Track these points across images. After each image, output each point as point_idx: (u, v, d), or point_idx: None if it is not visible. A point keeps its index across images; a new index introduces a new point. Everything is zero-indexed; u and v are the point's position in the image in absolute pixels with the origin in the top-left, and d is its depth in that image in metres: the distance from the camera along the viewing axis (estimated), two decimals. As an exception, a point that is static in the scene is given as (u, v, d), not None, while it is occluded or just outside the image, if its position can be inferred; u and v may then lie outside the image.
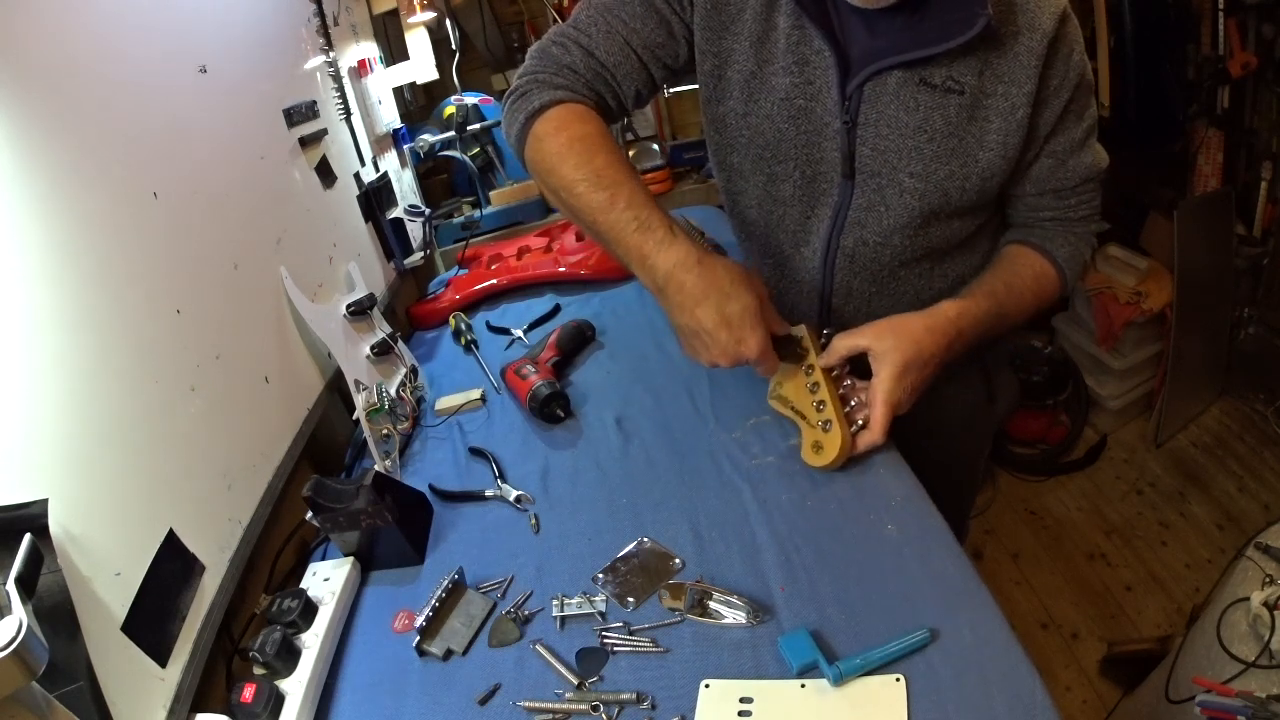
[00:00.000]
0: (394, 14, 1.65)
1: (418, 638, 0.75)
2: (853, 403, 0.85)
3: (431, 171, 1.93)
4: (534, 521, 0.88)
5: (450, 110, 1.80)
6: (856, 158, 0.86)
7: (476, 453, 1.03)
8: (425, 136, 1.74)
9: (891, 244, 0.90)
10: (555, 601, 0.76)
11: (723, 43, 0.89)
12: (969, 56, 0.79)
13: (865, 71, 0.82)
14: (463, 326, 1.37)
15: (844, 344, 0.84)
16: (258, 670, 0.73)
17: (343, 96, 1.35)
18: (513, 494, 0.92)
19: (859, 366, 0.86)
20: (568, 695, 0.67)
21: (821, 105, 0.85)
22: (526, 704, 0.67)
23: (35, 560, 0.53)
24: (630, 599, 0.75)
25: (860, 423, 0.83)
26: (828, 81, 0.84)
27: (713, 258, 0.81)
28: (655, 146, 2.03)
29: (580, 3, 0.93)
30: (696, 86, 0.95)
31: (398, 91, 1.69)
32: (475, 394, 1.15)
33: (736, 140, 0.93)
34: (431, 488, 0.98)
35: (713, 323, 0.79)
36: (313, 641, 0.77)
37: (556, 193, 0.87)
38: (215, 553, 0.79)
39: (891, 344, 0.82)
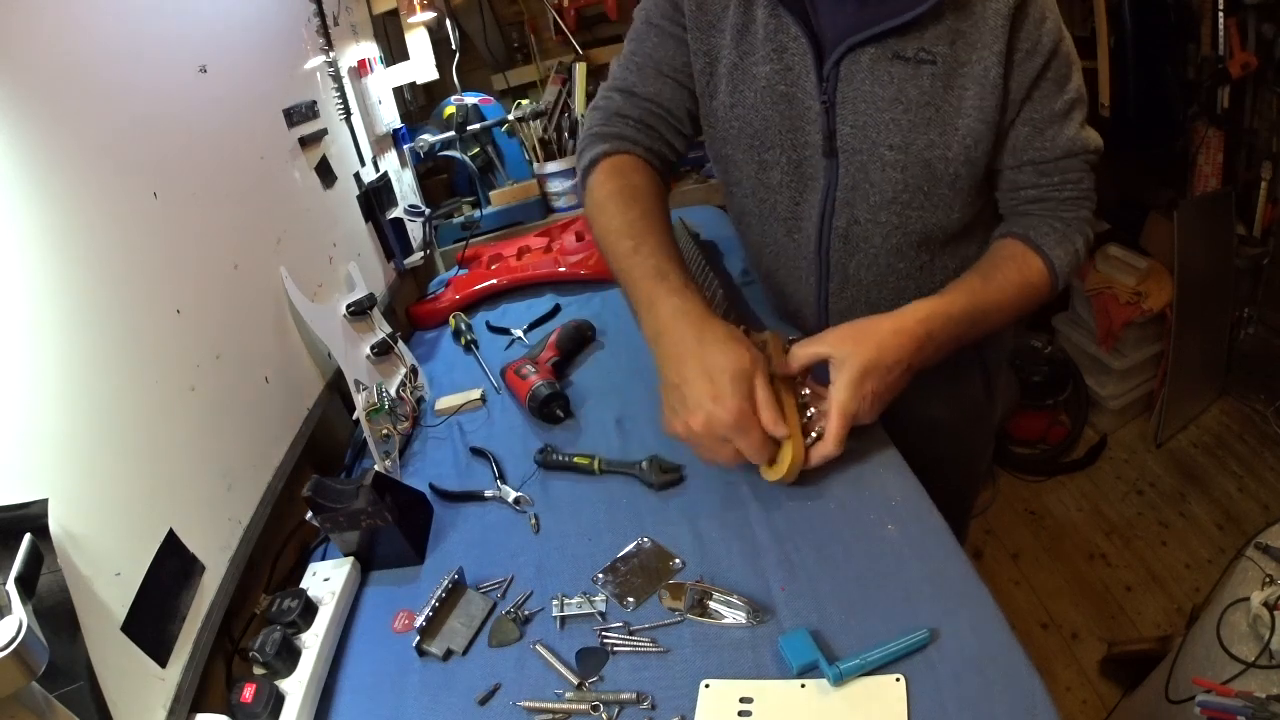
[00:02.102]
0: (394, 14, 1.65)
1: (418, 638, 0.75)
2: (811, 411, 0.81)
3: (431, 171, 1.93)
4: (534, 521, 0.88)
5: (450, 110, 1.80)
6: (837, 136, 0.88)
7: (476, 453, 1.03)
8: (425, 136, 1.74)
9: (880, 221, 0.91)
10: (555, 601, 0.76)
11: (711, 40, 0.91)
12: (939, 26, 0.80)
13: (838, 50, 0.83)
14: (463, 326, 1.37)
15: (804, 351, 0.82)
16: (258, 670, 0.73)
17: (343, 96, 1.35)
18: (512, 495, 0.92)
19: (823, 373, 0.83)
20: (568, 695, 0.67)
21: (802, 89, 0.87)
22: (526, 704, 0.67)
23: (35, 560, 0.53)
24: (630, 599, 0.75)
25: (816, 434, 0.79)
26: (806, 65, 0.86)
27: (717, 318, 0.80)
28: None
29: (611, 63, 1.01)
30: None
31: (398, 91, 1.69)
32: (475, 394, 1.15)
33: (728, 132, 0.95)
34: (432, 487, 0.98)
35: (692, 374, 0.75)
36: (313, 641, 0.77)
37: (598, 240, 0.93)
38: (215, 553, 0.79)
39: (850, 349, 0.79)
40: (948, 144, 0.85)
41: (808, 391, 0.84)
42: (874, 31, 0.80)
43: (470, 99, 1.83)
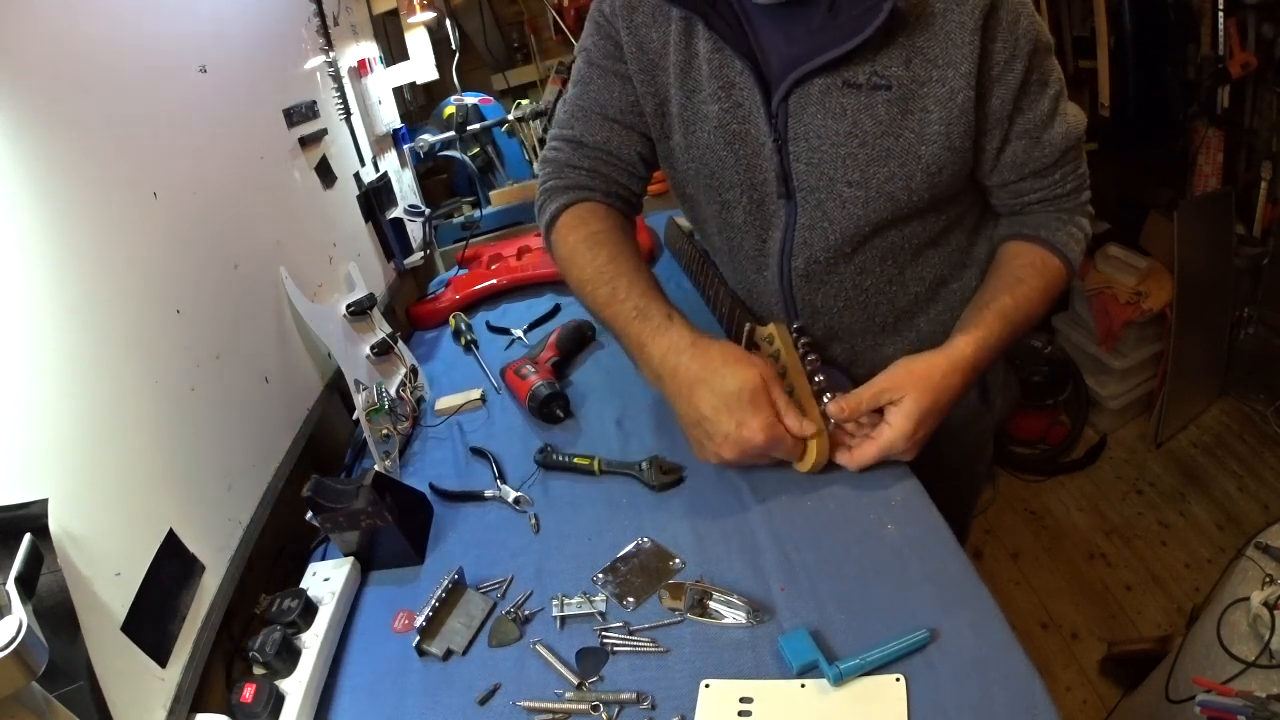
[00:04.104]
0: (394, 14, 1.65)
1: (418, 638, 0.75)
2: (827, 398, 0.81)
3: (431, 171, 1.93)
4: (534, 521, 0.88)
5: (450, 110, 1.80)
6: (793, 175, 0.83)
7: (476, 453, 1.03)
8: (425, 136, 1.74)
9: (843, 254, 0.87)
10: (555, 601, 0.76)
11: (656, 81, 0.88)
12: (892, 47, 0.74)
13: (785, 83, 0.78)
14: (463, 326, 1.37)
15: (868, 395, 0.79)
16: (258, 670, 0.73)
17: (343, 96, 1.35)
18: (512, 495, 0.92)
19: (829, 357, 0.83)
20: (568, 695, 0.67)
21: (754, 126, 0.83)
22: (526, 704, 0.67)
23: (35, 560, 0.53)
24: (630, 599, 0.75)
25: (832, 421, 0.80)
26: (755, 101, 0.81)
27: (709, 340, 0.79)
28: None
29: (558, 104, 0.98)
30: None
31: (398, 91, 1.69)
32: (475, 394, 1.15)
33: (686, 173, 0.93)
34: (432, 487, 0.98)
35: (710, 407, 0.75)
36: (313, 641, 0.77)
37: (577, 294, 0.91)
38: (215, 553, 0.79)
39: (909, 391, 0.78)
40: (910, 174, 0.80)
41: (821, 378, 0.83)
42: (819, 62, 0.75)
43: (470, 99, 1.84)
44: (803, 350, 0.86)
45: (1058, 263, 0.87)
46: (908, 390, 0.78)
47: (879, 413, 0.80)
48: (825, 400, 0.81)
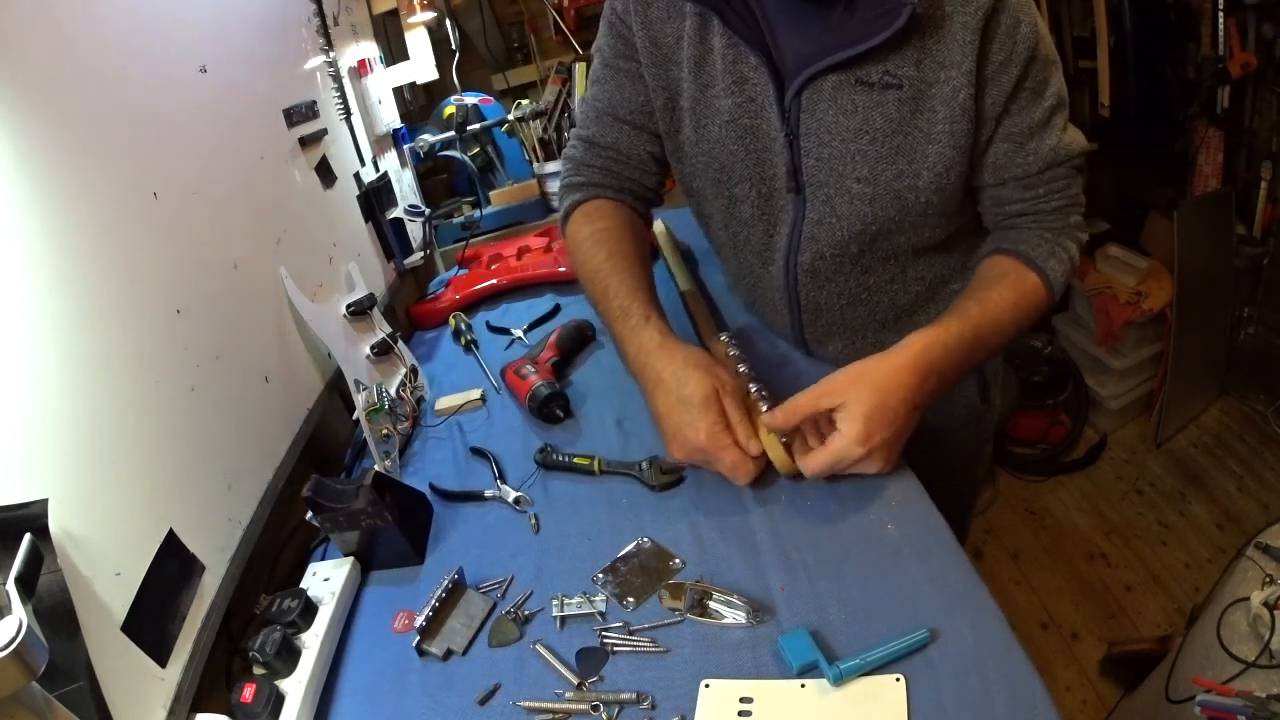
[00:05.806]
0: (394, 14, 1.65)
1: (418, 638, 0.75)
2: (764, 408, 0.80)
3: (431, 171, 1.93)
4: (534, 521, 0.88)
5: (450, 110, 1.80)
6: (803, 170, 0.84)
7: (477, 453, 1.03)
8: (425, 136, 1.74)
9: (849, 253, 0.88)
10: (555, 601, 0.76)
11: (668, 75, 0.89)
12: (905, 47, 0.76)
13: (799, 79, 0.79)
14: (463, 326, 1.37)
15: (804, 402, 0.76)
16: (258, 670, 0.73)
17: (343, 96, 1.35)
18: (512, 495, 0.92)
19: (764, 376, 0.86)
20: (568, 695, 0.67)
21: (766, 121, 0.84)
22: (526, 704, 0.67)
23: (35, 560, 0.53)
24: (630, 599, 0.75)
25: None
26: (768, 96, 0.82)
27: (676, 343, 0.83)
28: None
29: (579, 102, 1.03)
30: None
31: (398, 91, 1.69)
32: (475, 394, 1.15)
33: (695, 167, 0.94)
34: (432, 487, 0.98)
35: (665, 406, 0.80)
36: (313, 641, 0.77)
37: (583, 288, 0.96)
38: (215, 553, 0.79)
39: (851, 396, 0.73)
40: (917, 173, 0.81)
41: (756, 386, 0.84)
42: (835, 60, 0.76)
43: (470, 99, 1.83)
44: (734, 359, 0.87)
45: (1034, 277, 0.84)
46: (847, 393, 0.74)
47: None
48: (763, 409, 0.81)
